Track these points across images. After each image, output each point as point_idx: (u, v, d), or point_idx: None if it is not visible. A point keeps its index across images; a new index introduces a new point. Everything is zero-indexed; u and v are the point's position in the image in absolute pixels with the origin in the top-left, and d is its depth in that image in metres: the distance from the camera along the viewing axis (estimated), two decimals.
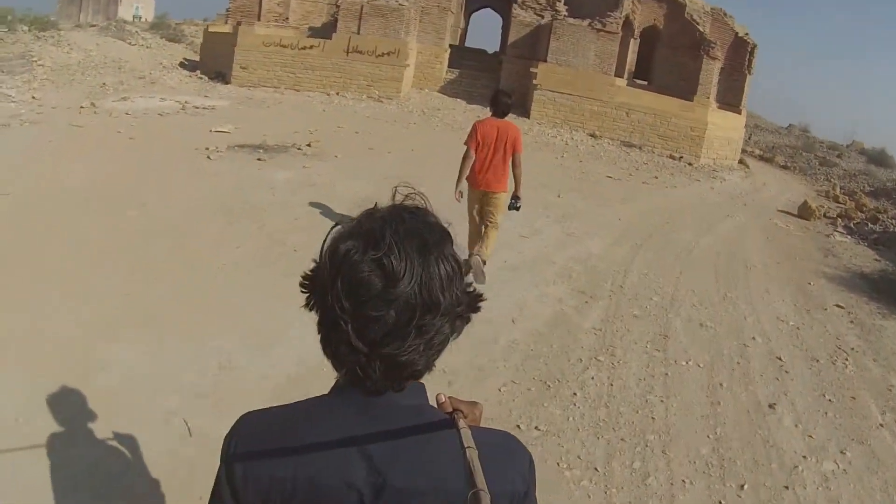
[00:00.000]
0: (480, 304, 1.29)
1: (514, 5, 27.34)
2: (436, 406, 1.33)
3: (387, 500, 1.20)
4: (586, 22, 24.71)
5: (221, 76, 25.23)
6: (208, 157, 12.56)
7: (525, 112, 24.56)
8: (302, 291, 1.28)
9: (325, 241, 1.25)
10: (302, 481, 1.21)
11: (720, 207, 17.20)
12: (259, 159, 12.81)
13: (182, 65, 28.73)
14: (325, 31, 26.55)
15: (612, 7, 25.30)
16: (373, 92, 24.29)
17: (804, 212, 18.22)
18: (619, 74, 25.88)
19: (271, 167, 12.36)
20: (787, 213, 18.44)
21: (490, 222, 7.93)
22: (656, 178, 19.34)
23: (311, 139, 15.10)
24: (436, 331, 1.21)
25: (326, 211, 9.91)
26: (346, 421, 1.24)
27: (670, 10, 27.11)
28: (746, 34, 28.45)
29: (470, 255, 7.75)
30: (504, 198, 8.01)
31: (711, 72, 25.86)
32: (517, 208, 8.15)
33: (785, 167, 33.95)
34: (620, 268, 9.76)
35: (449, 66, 27.72)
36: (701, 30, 26.24)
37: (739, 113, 28.35)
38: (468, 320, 1.28)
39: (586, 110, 24.61)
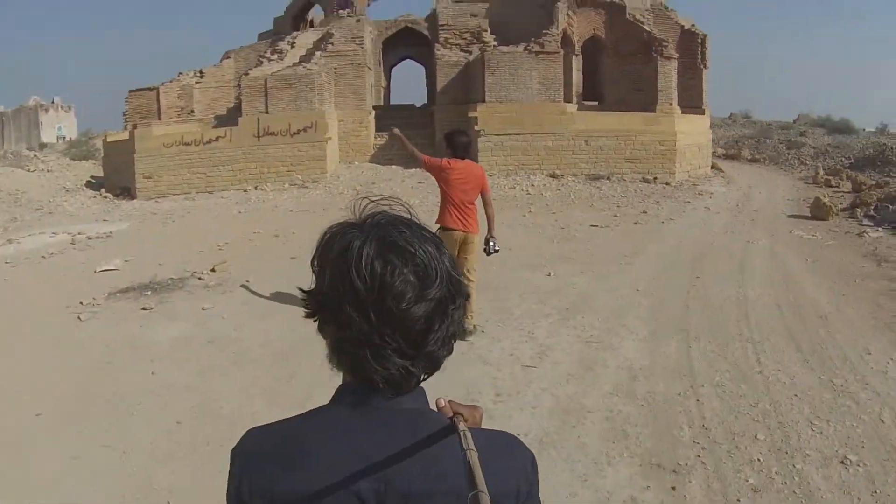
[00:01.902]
0: (468, 292, 1.31)
1: (437, 46, 24.34)
2: (436, 410, 1.28)
3: None
4: (521, 46, 21.65)
5: (126, 191, 22.02)
6: (79, 318, 9.19)
7: None
8: (309, 314, 1.31)
9: (349, 263, 1.21)
10: (308, 493, 1.19)
11: (732, 232, 14.38)
12: (144, 308, 9.43)
13: (89, 184, 25.49)
14: (233, 117, 23.31)
15: (546, 24, 22.33)
16: (295, 178, 20.97)
17: (818, 211, 16.30)
18: (567, 99, 22.80)
19: (158, 320, 8.98)
20: (800, 217, 16.40)
21: (469, 279, 7.29)
22: (645, 212, 16.24)
23: (217, 260, 11.82)
24: (457, 319, 1.26)
25: (226, 393, 6.47)
26: (350, 429, 1.24)
27: (609, 14, 24.31)
28: (693, 25, 25.81)
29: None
30: (478, 240, 7.86)
31: (669, 74, 23.01)
32: (496, 250, 7.91)
33: (754, 160, 32.57)
34: (685, 388, 6.42)
35: (377, 131, 24.50)
36: (648, 29, 23.41)
37: (703, 113, 25.63)
38: (464, 311, 1.29)
39: (541, 148, 21.49)
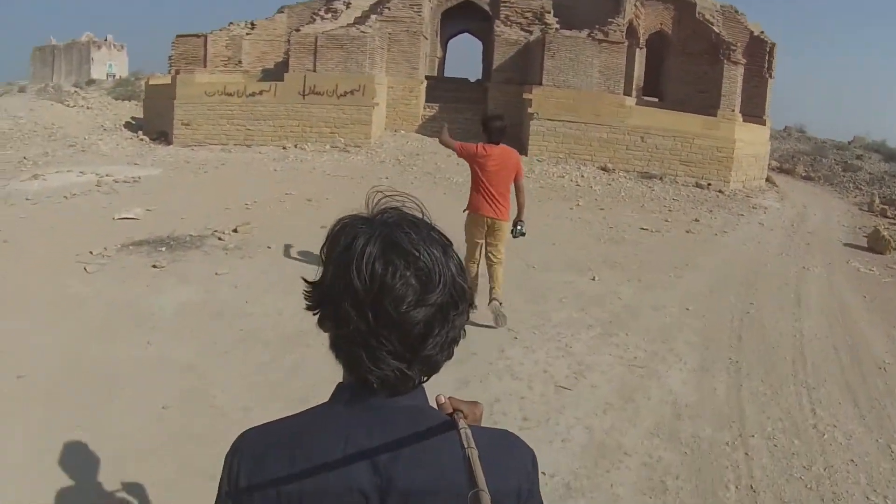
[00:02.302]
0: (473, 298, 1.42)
1: (497, 22, 23.38)
2: (436, 407, 1.29)
3: (391, 502, 1.19)
4: (585, 32, 20.65)
5: (164, 136, 21.56)
6: (85, 269, 8.65)
7: (521, 147, 20.52)
8: (310, 308, 1.29)
9: (350, 261, 1.20)
10: (309, 492, 1.19)
11: (787, 255, 13.44)
12: (155, 266, 8.87)
13: (128, 125, 25.16)
14: (279, 72, 22.52)
15: (612, 13, 21.32)
16: (337, 140, 20.28)
17: (876, 244, 15.02)
18: (626, 92, 21.82)
19: (168, 280, 8.41)
20: (857, 247, 15.27)
21: (496, 259, 7.63)
22: (697, 220, 15.34)
23: (242, 220, 11.23)
24: (460, 326, 1.26)
25: (223, 379, 5.83)
26: (350, 426, 1.23)
27: (679, 11, 23.21)
28: (762, 32, 24.65)
29: (490, 301, 7.43)
30: (508, 227, 7.66)
31: (735, 79, 21.89)
32: (523, 234, 7.82)
33: (808, 178, 31.47)
34: (733, 437, 5.67)
35: (427, 101, 23.73)
36: (717, 31, 22.32)
37: (764, 123, 24.54)
38: (468, 318, 1.29)
39: (594, 139, 20.58)
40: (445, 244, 1.26)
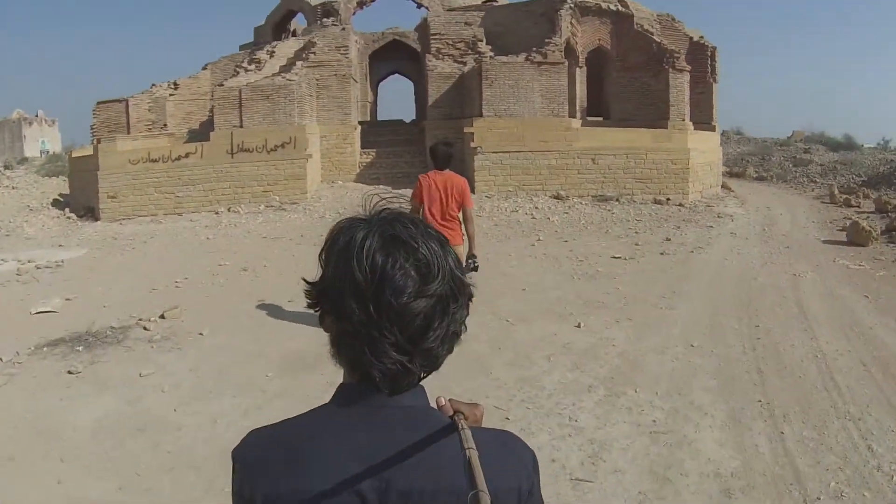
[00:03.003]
0: (472, 295, 1.31)
1: (428, 56, 22.35)
2: (436, 408, 1.29)
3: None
4: (522, 56, 19.65)
5: (91, 211, 20.13)
6: None
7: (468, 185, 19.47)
8: (311, 305, 1.28)
9: (351, 254, 1.19)
10: (311, 493, 1.18)
11: (772, 263, 12.51)
12: (70, 371, 7.43)
13: (56, 203, 23.77)
14: (205, 131, 21.28)
15: (547, 34, 20.40)
16: (272, 199, 18.96)
17: (857, 237, 14.70)
18: (570, 114, 20.86)
19: (84, 389, 6.99)
20: (837, 242, 14.87)
21: None
22: (668, 240, 14.30)
23: (170, 302, 9.88)
24: (460, 319, 1.24)
25: None
26: (350, 427, 1.23)
27: (616, 24, 22.42)
28: (702, 37, 24.04)
29: None
30: (460, 251, 6.90)
31: (682, 88, 21.15)
32: (475, 268, 7.25)
33: (760, 178, 31.79)
34: (795, 502, 4.50)
35: (362, 148, 22.57)
36: (658, 40, 21.54)
37: (713, 129, 23.87)
38: (468, 312, 1.28)
39: (543, 167, 19.55)
40: (442, 239, 1.25)
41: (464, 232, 7.61)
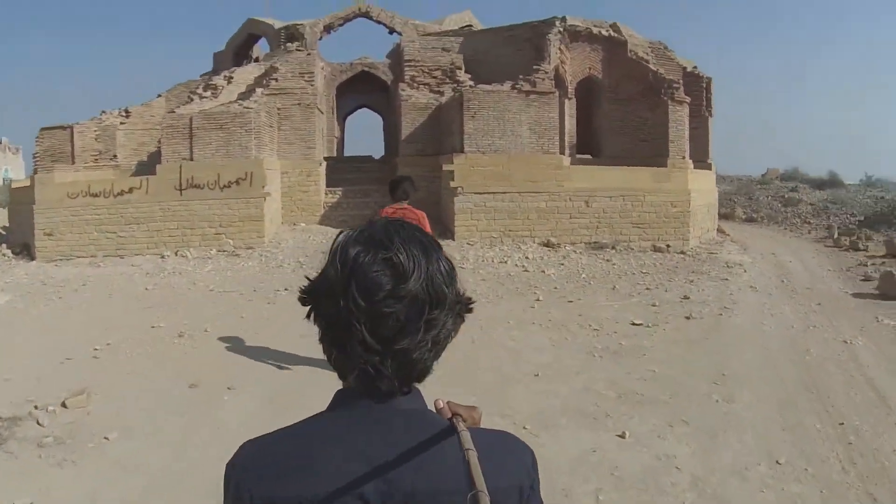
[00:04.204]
0: (472, 305, 1.32)
1: (401, 85, 20.23)
2: (434, 412, 1.30)
3: None
4: (508, 85, 17.54)
5: (27, 249, 17.73)
6: None
7: (445, 231, 17.18)
8: (303, 303, 1.27)
9: (334, 249, 1.24)
10: (313, 498, 1.17)
11: (813, 327, 10.62)
12: None
13: None
14: (154, 163, 18.85)
15: (534, 61, 18.35)
16: (225, 242, 16.63)
17: (891, 289, 13.14)
18: (560, 151, 18.77)
19: None
20: (868, 296, 13.26)
21: None
22: (687, 298, 12.20)
23: (80, 381, 7.74)
24: (441, 326, 1.23)
25: None
26: (350, 432, 1.22)
27: (608, 52, 20.44)
28: (695, 67, 22.25)
29: None
30: None
31: (682, 121, 19.25)
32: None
33: (750, 220, 30.28)
34: None
35: (328, 186, 20.22)
36: (654, 69, 19.63)
37: (709, 168, 22.05)
38: (463, 319, 1.29)
39: (531, 210, 17.44)
40: (428, 245, 1.24)
41: None
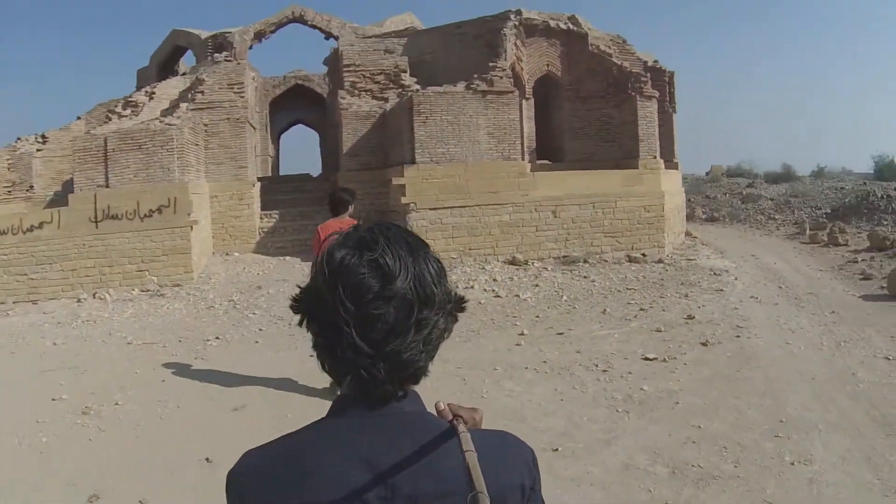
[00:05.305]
0: (464, 304, 1.28)
1: (341, 93, 18.28)
2: (435, 414, 1.28)
3: None
4: (462, 86, 15.73)
5: None
6: None
7: None
8: (295, 311, 1.25)
9: (321, 255, 1.21)
10: None
11: (845, 343, 9.32)
12: None
13: None
14: (68, 192, 16.65)
15: (485, 60, 16.56)
16: (148, 280, 14.46)
17: None
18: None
19: None
20: (878, 298, 12.43)
21: None
22: (691, 317, 10.56)
23: None
24: (433, 326, 1.20)
25: None
26: (351, 437, 1.19)
27: (567, 46, 18.75)
28: (656, 62, 20.74)
29: None
30: None
31: (651, 118, 17.72)
32: None
33: (711, 219, 29.47)
34: None
35: (263, 209, 18.21)
36: (618, 62, 18.01)
37: (676, 167, 20.58)
38: (456, 319, 1.26)
39: (494, 224, 15.63)
40: (414, 245, 1.22)
41: None
